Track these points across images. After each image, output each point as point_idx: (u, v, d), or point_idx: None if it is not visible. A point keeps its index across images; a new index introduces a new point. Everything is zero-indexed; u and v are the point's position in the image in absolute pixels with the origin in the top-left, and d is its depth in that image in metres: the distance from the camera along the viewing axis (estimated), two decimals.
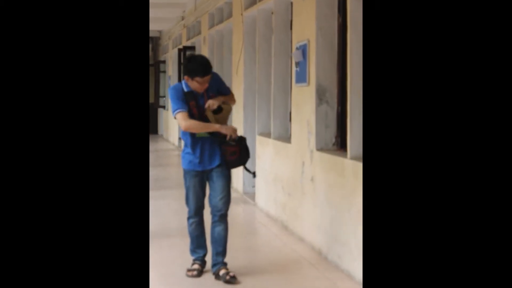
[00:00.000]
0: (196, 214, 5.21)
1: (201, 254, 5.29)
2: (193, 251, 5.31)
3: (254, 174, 5.40)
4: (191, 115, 4.99)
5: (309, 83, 6.44)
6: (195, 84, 4.96)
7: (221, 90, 5.19)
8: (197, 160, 5.08)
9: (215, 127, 5.00)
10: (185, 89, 5.03)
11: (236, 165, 5.14)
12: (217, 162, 5.07)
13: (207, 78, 4.97)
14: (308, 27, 6.45)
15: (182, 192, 5.32)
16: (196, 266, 5.24)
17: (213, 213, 5.16)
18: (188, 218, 5.26)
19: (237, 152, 5.08)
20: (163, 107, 20.83)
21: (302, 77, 6.65)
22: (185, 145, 5.16)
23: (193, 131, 5.01)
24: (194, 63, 4.97)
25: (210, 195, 5.17)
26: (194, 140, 5.06)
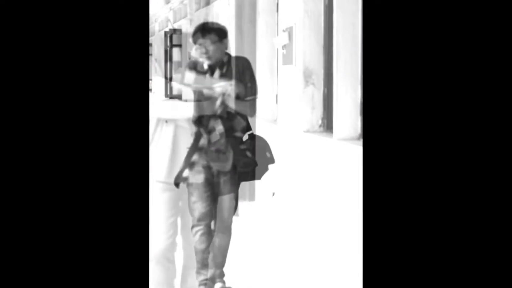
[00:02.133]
0: (201, 220, 4.13)
1: (208, 276, 4.21)
2: (197, 272, 4.24)
3: (273, 193, 4.31)
4: None
5: (295, 65, 6.46)
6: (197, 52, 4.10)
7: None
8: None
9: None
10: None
11: (247, 179, 4.22)
12: (227, 167, 4.08)
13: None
14: (295, 9, 6.46)
15: None
16: None
17: (215, 224, 4.21)
18: (192, 227, 4.17)
19: (252, 163, 4.11)
20: (150, 90, 20.75)
21: (288, 60, 6.66)
22: None
23: None
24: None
25: None
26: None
